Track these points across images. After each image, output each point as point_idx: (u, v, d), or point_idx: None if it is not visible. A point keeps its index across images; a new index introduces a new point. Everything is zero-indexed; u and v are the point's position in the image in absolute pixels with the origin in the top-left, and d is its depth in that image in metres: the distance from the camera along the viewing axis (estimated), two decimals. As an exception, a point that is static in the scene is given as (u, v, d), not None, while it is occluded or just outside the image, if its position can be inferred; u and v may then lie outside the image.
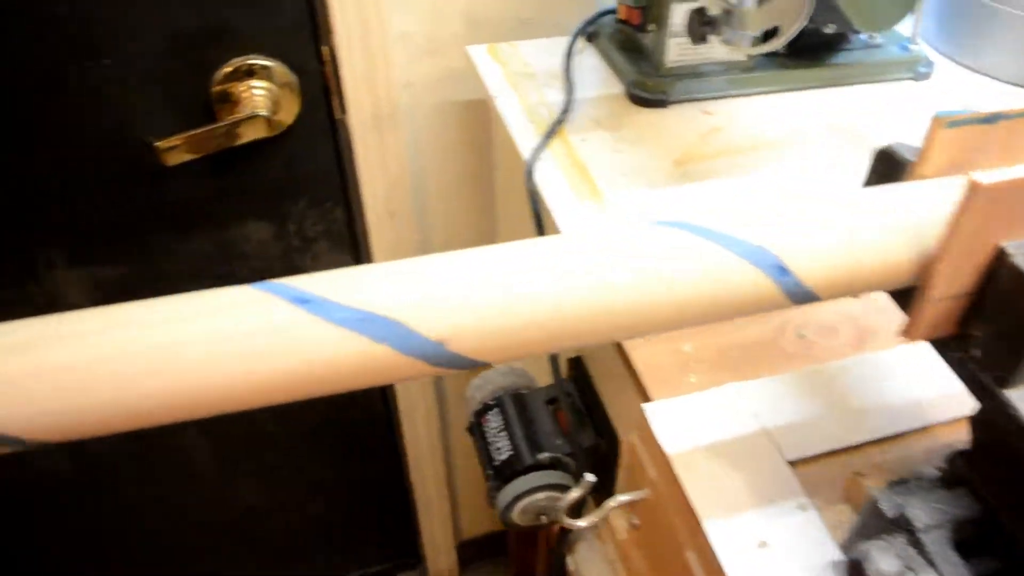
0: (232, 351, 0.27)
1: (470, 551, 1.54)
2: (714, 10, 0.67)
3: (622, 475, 0.56)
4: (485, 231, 1.08)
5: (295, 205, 0.98)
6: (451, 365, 0.29)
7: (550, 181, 0.69)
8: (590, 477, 0.57)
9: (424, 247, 1.07)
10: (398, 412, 1.24)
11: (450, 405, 1.29)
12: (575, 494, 0.57)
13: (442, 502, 1.41)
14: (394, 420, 1.27)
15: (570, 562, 0.85)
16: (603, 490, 0.77)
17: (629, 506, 0.57)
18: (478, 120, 0.97)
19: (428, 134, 0.97)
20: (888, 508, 0.38)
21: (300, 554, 1.47)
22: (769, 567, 0.43)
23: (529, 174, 0.70)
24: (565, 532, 0.84)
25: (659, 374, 0.56)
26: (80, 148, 0.87)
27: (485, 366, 0.31)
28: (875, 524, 0.39)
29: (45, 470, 1.15)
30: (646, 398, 0.55)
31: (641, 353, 0.57)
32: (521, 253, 0.29)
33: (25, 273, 0.94)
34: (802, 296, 0.31)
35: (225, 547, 1.40)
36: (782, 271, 0.30)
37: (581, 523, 0.55)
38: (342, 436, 1.29)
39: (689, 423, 0.50)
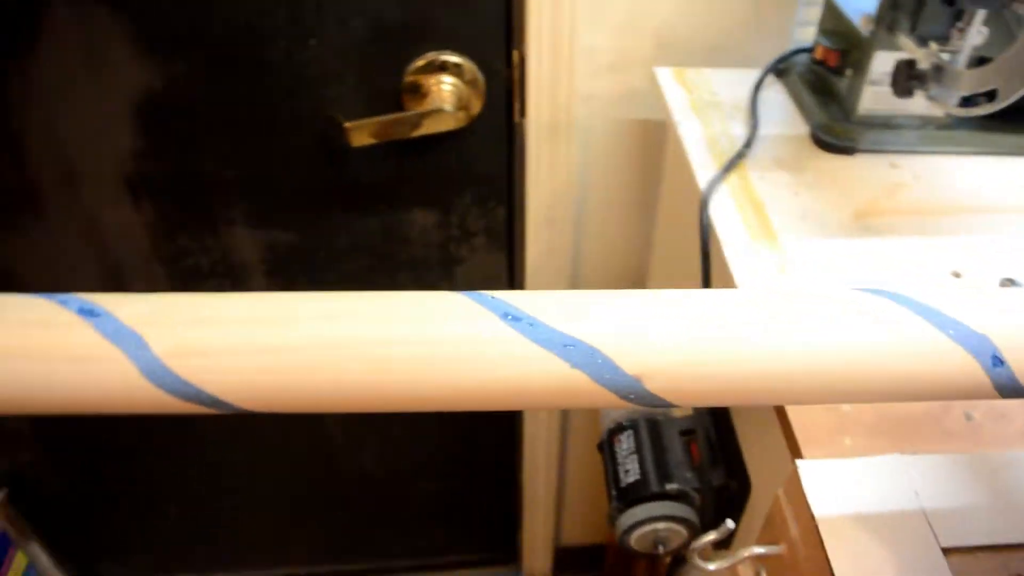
0: (438, 356, 0.29)
1: (566, 559, 1.55)
2: (924, 64, 0.64)
3: (761, 526, 0.55)
4: (638, 253, 1.08)
5: (461, 199, 1.01)
6: (641, 401, 0.30)
7: (724, 215, 0.69)
8: (730, 524, 0.56)
9: (576, 258, 1.08)
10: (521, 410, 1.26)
11: (572, 412, 1.30)
12: (711, 537, 0.56)
13: (548, 504, 1.42)
14: (518, 414, 1.29)
15: (678, 596, 0.84)
16: (726, 539, 0.76)
17: (760, 558, 0.56)
18: (651, 142, 0.97)
19: (599, 149, 0.98)
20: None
21: (404, 528, 1.51)
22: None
23: (704, 204, 0.70)
24: (675, 565, 0.84)
25: (813, 431, 0.55)
26: (275, 120, 0.92)
27: (669, 407, 0.31)
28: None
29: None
30: (796, 452, 0.54)
31: (797, 411, 0.56)
32: (735, 301, 0.30)
33: (206, 227, 1.02)
34: (1012, 390, 0.30)
35: (336, 510, 1.46)
36: (997, 361, 0.29)
37: (711, 566, 0.55)
38: (466, 420, 1.32)
39: (843, 488, 0.49)
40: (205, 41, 0.86)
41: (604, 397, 0.30)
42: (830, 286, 0.45)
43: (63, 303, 0.28)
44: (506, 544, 1.57)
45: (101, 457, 1.32)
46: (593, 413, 1.31)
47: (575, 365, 0.29)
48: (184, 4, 0.84)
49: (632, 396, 0.30)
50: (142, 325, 0.28)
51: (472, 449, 1.37)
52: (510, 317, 0.29)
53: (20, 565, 1.38)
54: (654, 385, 0.29)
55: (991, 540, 0.46)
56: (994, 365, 0.29)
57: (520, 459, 1.36)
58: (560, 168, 0.97)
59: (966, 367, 0.29)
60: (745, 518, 0.70)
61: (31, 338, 0.28)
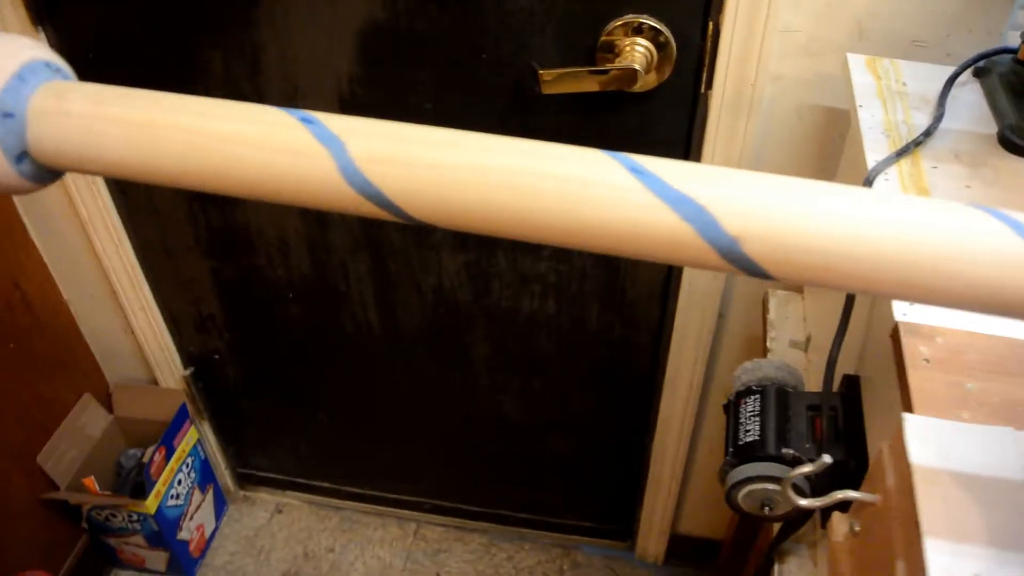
0: (572, 192, 0.34)
1: (680, 547, 1.56)
2: None
3: (864, 483, 0.57)
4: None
5: (635, 161, 1.05)
6: (739, 264, 0.34)
7: (886, 194, 0.69)
8: (827, 458, 0.58)
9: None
10: (662, 384, 1.29)
11: (710, 402, 1.31)
12: (807, 468, 0.58)
13: (672, 487, 1.44)
14: (656, 389, 1.32)
15: (777, 570, 0.85)
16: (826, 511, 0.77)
17: (855, 512, 0.57)
18: (832, 130, 0.97)
19: (779, 130, 0.99)
20: None
21: (529, 481, 1.58)
22: (977, 601, 0.42)
23: (868, 184, 0.71)
24: (781, 538, 0.85)
25: (932, 400, 0.55)
26: (477, 61, 1.00)
27: (768, 279, 0.34)
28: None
29: (362, 323, 1.35)
30: (908, 410, 0.55)
31: (920, 376, 0.57)
32: (850, 194, 0.33)
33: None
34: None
35: (469, 450, 1.55)
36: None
37: (804, 502, 0.57)
38: (606, 388, 1.36)
39: (946, 446, 0.49)
40: (428, -20, 0.95)
41: (708, 255, 0.34)
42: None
43: (290, 112, 0.36)
44: (623, 520, 1.60)
45: (277, 356, 1.47)
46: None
47: (685, 218, 0.33)
48: (416, -55, 0.93)
49: (733, 258, 0.33)
50: (345, 134, 0.35)
51: (607, 417, 1.41)
52: (636, 171, 0.34)
53: (192, 439, 1.56)
54: (751, 249, 0.33)
55: (1091, 523, 0.46)
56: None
57: (651, 438, 1.39)
58: (736, 145, 0.99)
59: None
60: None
61: (261, 133, 0.35)
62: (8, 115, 0.38)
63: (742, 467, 0.75)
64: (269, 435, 1.66)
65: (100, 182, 1.25)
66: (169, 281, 1.39)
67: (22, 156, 0.40)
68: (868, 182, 0.71)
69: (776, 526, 1.15)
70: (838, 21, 0.89)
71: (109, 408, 1.57)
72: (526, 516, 1.64)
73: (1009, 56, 0.82)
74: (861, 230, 0.32)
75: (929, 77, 0.84)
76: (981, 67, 0.83)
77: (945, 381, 0.56)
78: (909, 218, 0.32)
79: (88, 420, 1.52)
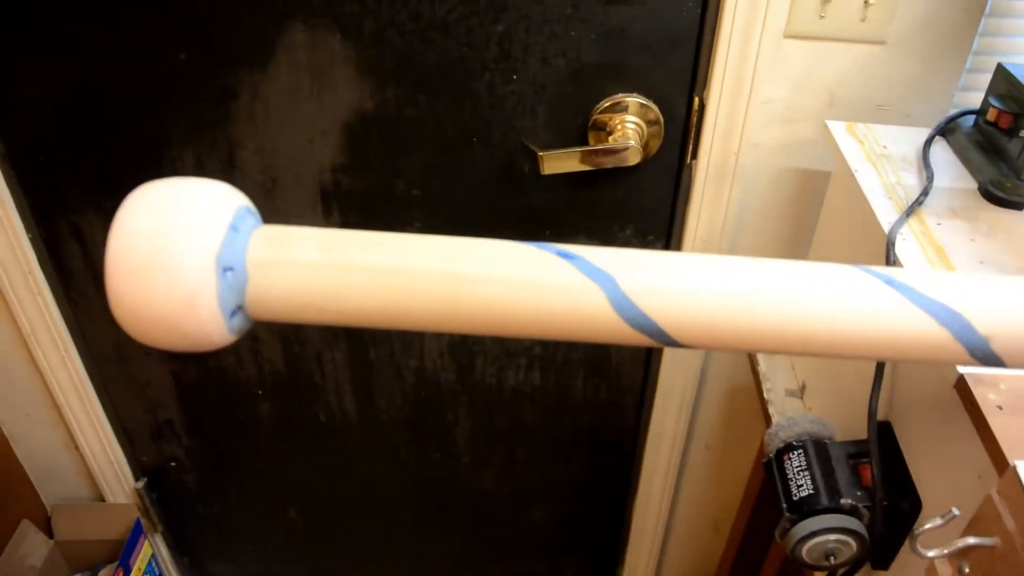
0: (847, 310, 0.36)
1: (663, 598, 1.58)
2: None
3: (966, 527, 0.61)
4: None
5: (623, 231, 1.09)
6: (983, 359, 0.37)
7: (910, 256, 0.75)
8: (955, 511, 0.61)
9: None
10: (645, 442, 1.32)
11: (692, 453, 1.35)
12: (937, 522, 0.62)
13: (655, 540, 1.46)
14: (638, 450, 1.35)
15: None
16: (885, 553, 0.81)
17: (963, 555, 0.61)
18: (809, 191, 1.04)
19: (759, 195, 1.05)
20: None
21: (509, 553, 1.56)
22: None
23: (891, 245, 0.77)
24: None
25: (1017, 446, 0.60)
26: (468, 145, 1.02)
27: (1002, 367, 0.37)
28: None
29: (337, 413, 1.31)
30: (1000, 457, 0.59)
31: (999, 423, 0.62)
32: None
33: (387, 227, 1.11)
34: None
35: (446, 531, 1.52)
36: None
37: (930, 553, 0.60)
38: (588, 452, 1.38)
39: (1060, 488, 0.54)
40: (419, 69, 0.96)
41: (959, 354, 0.37)
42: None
43: (542, 247, 0.36)
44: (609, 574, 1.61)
45: (242, 456, 1.40)
46: (713, 455, 1.36)
47: (942, 323, 0.36)
48: (407, 35, 0.94)
49: (979, 354, 0.36)
50: (613, 268, 0.36)
51: (591, 479, 1.43)
52: (890, 282, 0.37)
53: (147, 555, 1.46)
54: (1000, 347, 0.36)
55: None
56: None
57: (634, 495, 1.41)
58: (720, 209, 1.05)
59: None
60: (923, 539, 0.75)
61: (527, 274, 0.36)
62: (228, 269, 0.37)
63: (803, 523, 0.78)
64: (230, 540, 1.57)
65: (47, 292, 1.17)
66: (122, 389, 1.31)
67: (236, 311, 0.38)
68: (891, 243, 0.77)
69: (773, 569, 1.19)
70: (812, 91, 0.96)
71: (49, 533, 1.44)
72: (507, 589, 1.62)
73: (971, 117, 0.92)
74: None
75: (903, 139, 0.93)
76: (946, 129, 0.93)
77: (1022, 424, 0.61)
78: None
79: (29, 549, 1.39)
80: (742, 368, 1.20)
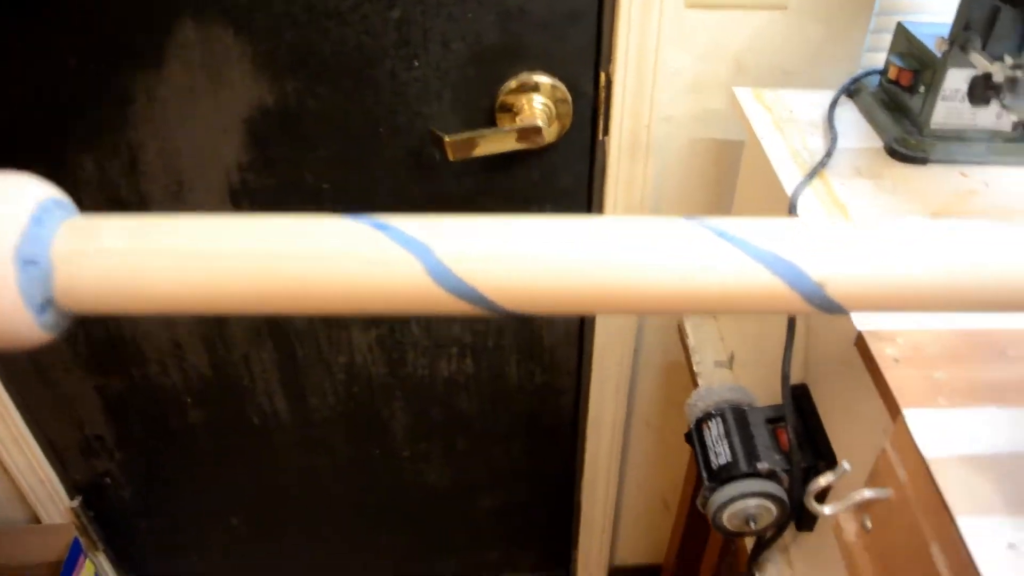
0: (677, 267, 0.34)
1: (619, 580, 1.58)
2: (999, 77, 0.71)
3: (866, 480, 0.60)
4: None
5: (541, 210, 1.08)
6: (823, 307, 0.36)
7: (812, 214, 0.75)
8: (846, 465, 0.61)
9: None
10: (586, 425, 1.31)
11: (634, 432, 1.35)
12: (829, 478, 0.61)
13: (606, 521, 1.45)
14: (579, 434, 1.34)
15: (758, 581, 0.88)
16: (808, 515, 0.81)
17: (865, 509, 0.61)
18: (724, 161, 1.04)
19: (675, 167, 1.04)
20: None
21: (461, 545, 1.55)
22: (1017, 566, 0.46)
23: (792, 207, 0.76)
24: (759, 550, 0.88)
25: (911, 394, 0.60)
26: (375, 135, 1.00)
27: (843, 314, 0.36)
28: None
29: (269, 415, 1.29)
30: (895, 409, 0.59)
31: (895, 375, 0.61)
32: (903, 232, 0.36)
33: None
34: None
35: (395, 527, 1.51)
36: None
37: (827, 509, 0.60)
38: (529, 439, 1.37)
39: (945, 433, 0.54)
40: (317, 60, 0.94)
41: (795, 302, 0.36)
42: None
43: (357, 218, 0.35)
44: (560, 563, 1.60)
45: (178, 466, 1.38)
46: (653, 433, 1.36)
47: (775, 273, 0.35)
48: (301, 26, 0.92)
49: (816, 301, 0.36)
50: (427, 236, 0.34)
51: (535, 465, 1.42)
52: (722, 234, 0.35)
53: (88, 574, 1.42)
54: (835, 292, 0.35)
55: (1090, 481, 0.51)
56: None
57: (580, 477, 1.41)
58: (637, 184, 1.04)
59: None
60: (832, 495, 0.75)
61: (338, 246, 0.34)
62: (30, 262, 0.35)
63: (723, 489, 0.77)
64: (174, 552, 1.54)
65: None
66: (45, 405, 1.27)
67: (45, 305, 0.36)
68: (793, 206, 0.76)
69: (716, 545, 1.19)
70: (719, 60, 0.96)
71: (-15, 559, 1.40)
72: (462, 582, 1.61)
73: (876, 76, 0.91)
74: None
75: (809, 103, 0.92)
76: (852, 89, 0.92)
77: (917, 376, 0.61)
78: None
79: (-36, 578, 1.35)
80: (674, 344, 1.20)
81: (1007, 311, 0.38)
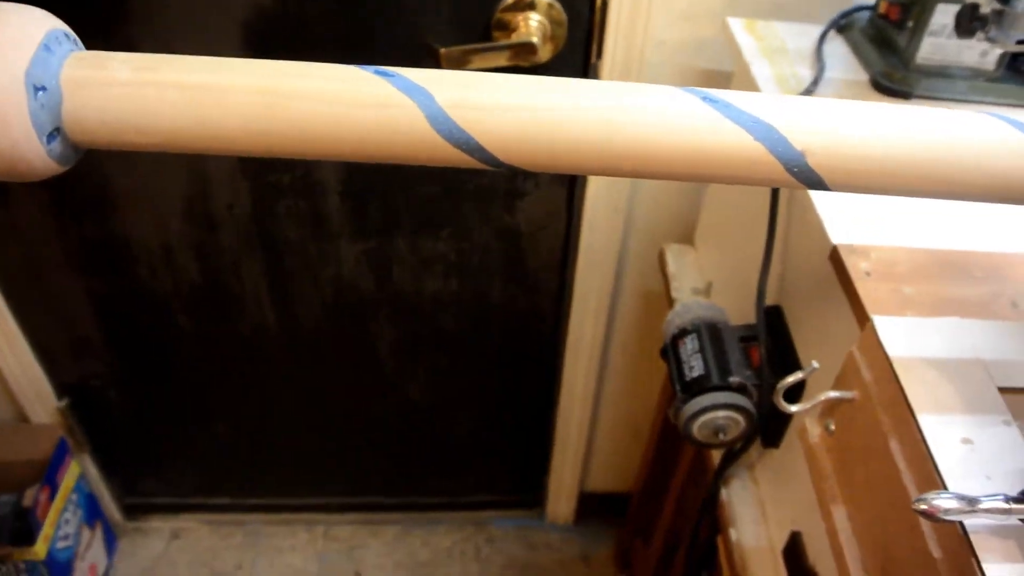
0: (664, 126, 0.36)
1: (590, 505, 1.63)
2: (986, 8, 0.73)
3: (833, 383, 0.63)
4: (689, 193, 1.16)
5: (533, 133, 1.09)
6: (802, 177, 0.38)
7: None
8: (815, 364, 0.64)
9: (631, 196, 1.15)
10: (564, 348, 1.34)
11: (611, 359, 1.38)
12: (798, 376, 0.64)
13: (579, 447, 1.50)
14: (558, 357, 1.37)
15: (724, 494, 0.92)
16: (775, 432, 0.84)
17: (828, 413, 0.64)
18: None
19: (665, 93, 1.06)
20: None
21: (438, 466, 1.59)
22: (970, 459, 0.49)
23: (778, 127, 0.78)
24: (726, 464, 0.92)
25: (881, 305, 0.62)
26: (373, 44, 1.00)
27: (825, 189, 0.39)
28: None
29: (258, 325, 1.31)
30: (864, 316, 0.62)
31: (866, 287, 0.64)
32: (887, 112, 0.38)
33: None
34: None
35: (376, 443, 1.54)
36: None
37: (794, 408, 0.63)
38: (510, 361, 1.40)
39: (910, 339, 0.57)
40: (319, -35, 0.94)
41: (775, 170, 0.38)
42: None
43: (362, 68, 0.36)
44: (534, 487, 1.64)
45: (165, 372, 1.40)
46: (629, 361, 1.39)
47: (757, 138, 0.37)
48: (304, -71, 0.92)
49: (797, 170, 0.38)
50: (430, 84, 0.36)
51: (513, 388, 1.45)
52: (710, 100, 0.37)
53: (74, 474, 1.45)
54: (815, 162, 0.37)
55: (1038, 383, 0.54)
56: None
57: (556, 402, 1.44)
58: (628, 109, 1.05)
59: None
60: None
61: (342, 89, 0.36)
62: (40, 88, 0.36)
63: (694, 400, 0.80)
64: (159, 458, 1.57)
65: (-53, 204, 1.13)
66: (36, 305, 1.28)
67: (54, 134, 0.37)
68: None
69: (684, 471, 1.23)
70: (715, -13, 0.97)
71: (-30, 455, 1.42)
72: (438, 500, 1.65)
73: (866, 12, 0.93)
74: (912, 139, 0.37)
75: (801, 34, 0.94)
76: (843, 24, 0.94)
77: (887, 289, 0.64)
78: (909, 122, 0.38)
79: (-51, 472, 1.38)
80: (655, 272, 1.22)
81: (985, 199, 0.40)
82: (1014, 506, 0.42)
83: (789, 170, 0.38)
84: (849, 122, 0.38)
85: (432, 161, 0.37)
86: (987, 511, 0.41)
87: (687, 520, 1.16)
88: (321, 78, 0.36)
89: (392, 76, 0.36)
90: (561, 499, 1.61)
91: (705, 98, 0.37)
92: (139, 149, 0.37)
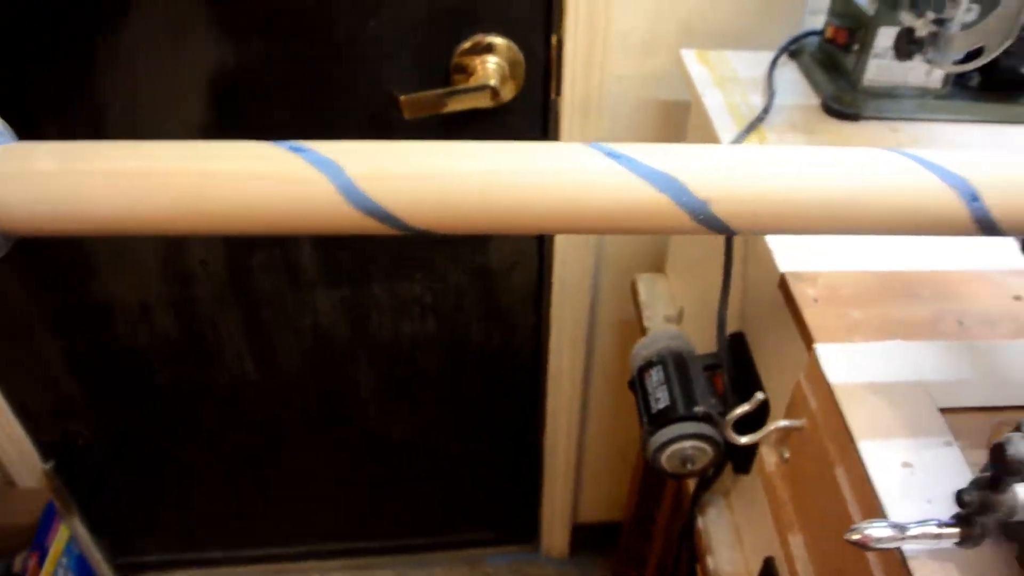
0: (571, 184, 0.38)
1: (583, 536, 1.62)
2: (922, 31, 0.74)
3: (784, 412, 0.64)
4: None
5: (498, 172, 1.10)
6: (708, 224, 0.39)
7: (745, 166, 0.78)
8: (760, 395, 0.65)
9: (602, 230, 1.17)
10: (547, 379, 1.35)
11: (593, 388, 1.38)
12: (745, 408, 0.65)
13: (568, 478, 1.49)
14: (541, 387, 1.37)
15: (700, 522, 0.92)
16: (745, 458, 0.85)
17: (782, 441, 0.64)
18: (673, 121, 1.07)
19: (625, 126, 1.07)
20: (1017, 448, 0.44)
21: (430, 503, 1.59)
22: (910, 483, 0.50)
23: (727, 158, 0.79)
24: (700, 492, 0.92)
25: (828, 331, 0.63)
26: (334, 94, 1.02)
27: (730, 234, 0.40)
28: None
29: (238, 376, 1.31)
30: (809, 348, 0.63)
31: (813, 313, 0.65)
32: (785, 154, 0.39)
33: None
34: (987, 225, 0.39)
35: (362, 487, 1.54)
36: (973, 198, 0.38)
37: (743, 439, 0.63)
38: (493, 392, 1.40)
39: (854, 365, 0.57)
40: (277, 21, 0.96)
41: (681, 219, 0.39)
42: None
43: (276, 144, 0.38)
44: (526, 521, 1.64)
45: (149, 428, 1.40)
46: (612, 390, 1.40)
47: (661, 190, 0.38)
48: (260, -14, 0.94)
49: (702, 218, 0.39)
50: (338, 156, 0.37)
51: (498, 424, 1.45)
52: (613, 155, 0.38)
53: (63, 537, 1.45)
54: (719, 209, 0.38)
55: (980, 403, 0.55)
56: (972, 200, 0.38)
57: (542, 435, 1.44)
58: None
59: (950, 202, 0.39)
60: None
61: (258, 168, 0.37)
62: (-34, 186, 0.37)
63: (661, 431, 0.81)
64: (148, 515, 1.57)
65: (-76, 273, 1.15)
66: (15, 369, 1.29)
67: (-16, 226, 0.38)
68: (728, 158, 0.79)
69: (669, 499, 1.23)
70: (668, 22, 0.99)
71: (-41, 520, 1.42)
72: (430, 540, 1.65)
73: (816, 37, 0.95)
74: (797, 182, 0.38)
75: (753, 62, 0.95)
76: (794, 50, 0.95)
77: (834, 314, 0.65)
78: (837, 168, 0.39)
79: (-62, 538, 1.38)
80: (628, 301, 1.23)
81: (886, 232, 0.42)
82: (944, 531, 0.42)
83: (695, 218, 0.39)
84: (750, 168, 0.39)
85: (348, 230, 0.38)
86: (916, 537, 0.42)
87: (673, 549, 1.16)
88: (238, 157, 0.37)
89: (304, 151, 0.37)
90: (555, 532, 1.61)
91: (609, 153, 0.38)
92: (71, 235, 0.38)
